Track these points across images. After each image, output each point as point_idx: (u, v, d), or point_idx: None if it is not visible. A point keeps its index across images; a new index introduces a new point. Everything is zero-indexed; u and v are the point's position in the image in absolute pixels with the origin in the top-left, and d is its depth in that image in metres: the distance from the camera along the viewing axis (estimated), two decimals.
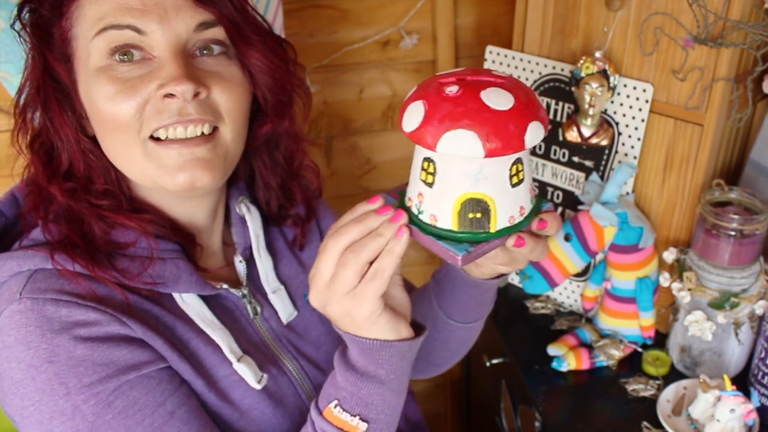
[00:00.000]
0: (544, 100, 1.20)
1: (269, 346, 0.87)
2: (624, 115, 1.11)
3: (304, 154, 0.92)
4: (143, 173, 0.75)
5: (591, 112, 1.09)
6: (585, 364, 1.12)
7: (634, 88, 1.09)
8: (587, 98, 1.08)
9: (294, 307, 0.91)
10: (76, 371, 0.69)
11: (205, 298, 0.81)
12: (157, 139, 0.73)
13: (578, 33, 1.15)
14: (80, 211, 0.75)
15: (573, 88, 1.10)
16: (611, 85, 1.08)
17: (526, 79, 1.22)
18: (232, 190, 0.89)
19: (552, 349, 1.14)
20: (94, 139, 0.77)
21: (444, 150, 0.58)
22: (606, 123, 1.12)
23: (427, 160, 0.62)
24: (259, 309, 0.87)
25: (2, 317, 0.70)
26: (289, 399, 0.87)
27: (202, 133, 0.74)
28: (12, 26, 0.75)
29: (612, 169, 1.14)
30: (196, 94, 0.72)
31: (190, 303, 0.79)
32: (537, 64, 1.20)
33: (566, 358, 1.12)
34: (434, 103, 0.59)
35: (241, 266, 0.87)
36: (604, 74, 1.08)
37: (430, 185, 0.62)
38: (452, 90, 0.59)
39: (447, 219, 0.62)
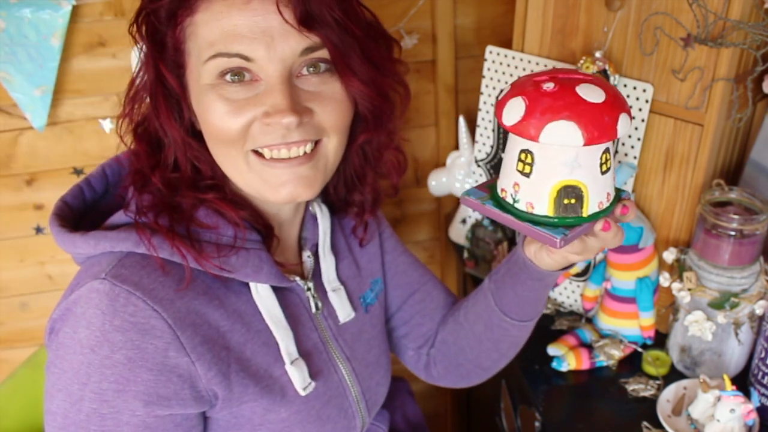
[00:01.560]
0: None
1: (326, 344, 0.89)
2: None
3: (393, 149, 0.94)
4: (247, 182, 0.79)
5: None
6: (585, 364, 1.12)
7: (634, 88, 1.09)
8: None
9: (351, 308, 0.93)
10: (103, 372, 0.72)
11: (274, 290, 0.83)
12: (260, 155, 0.77)
13: (578, 33, 1.15)
14: (179, 200, 0.79)
15: None
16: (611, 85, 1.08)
17: None
18: None
19: (552, 349, 1.14)
20: (201, 135, 0.80)
21: (547, 140, 0.64)
22: None
23: (525, 151, 0.67)
24: (320, 305, 0.89)
25: (84, 288, 0.74)
26: (337, 400, 0.89)
27: (305, 152, 0.77)
28: (129, 30, 0.78)
29: None
30: (297, 125, 0.74)
31: (265, 296, 0.82)
32: (537, 64, 1.20)
33: (566, 358, 1.12)
34: (534, 99, 0.65)
35: (309, 261, 0.90)
36: (604, 74, 1.08)
37: (527, 175, 0.68)
38: (549, 86, 0.65)
39: (543, 206, 0.68)
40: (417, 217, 1.64)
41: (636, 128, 1.10)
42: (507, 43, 1.26)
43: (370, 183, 0.94)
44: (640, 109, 1.09)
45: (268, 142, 0.75)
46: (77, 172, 1.41)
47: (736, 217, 0.99)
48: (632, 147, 1.11)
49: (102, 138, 1.39)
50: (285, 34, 0.73)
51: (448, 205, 1.61)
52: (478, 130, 1.31)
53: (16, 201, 1.42)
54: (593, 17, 1.12)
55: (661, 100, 1.08)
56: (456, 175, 1.42)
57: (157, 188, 0.79)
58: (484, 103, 1.29)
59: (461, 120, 1.39)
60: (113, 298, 0.72)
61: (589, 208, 0.69)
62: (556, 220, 0.68)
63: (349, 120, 0.81)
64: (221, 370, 0.77)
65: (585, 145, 0.64)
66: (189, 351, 0.74)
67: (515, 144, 0.69)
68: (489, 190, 0.75)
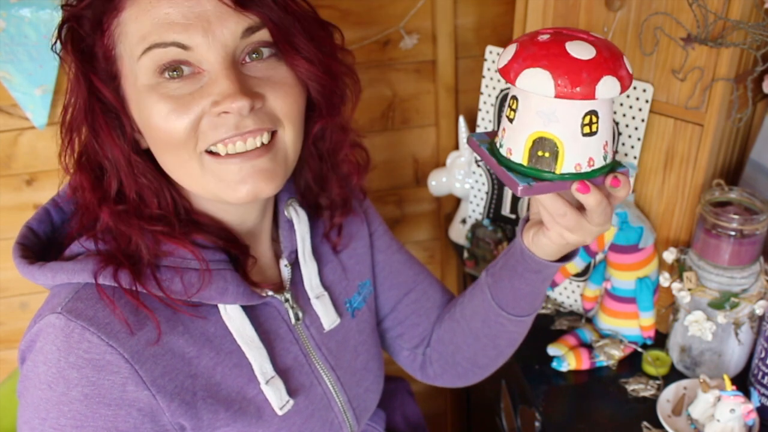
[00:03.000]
0: None
1: (308, 356, 0.86)
2: (624, 115, 1.11)
3: (351, 146, 0.90)
4: (202, 186, 0.74)
5: None
6: (585, 364, 1.12)
7: (634, 88, 1.09)
8: None
9: (336, 314, 0.90)
10: (61, 408, 0.71)
11: (247, 306, 0.80)
12: (214, 154, 0.73)
13: None
14: (129, 232, 0.75)
15: None
16: None
17: None
18: (281, 192, 0.88)
19: (552, 349, 1.14)
20: (147, 153, 0.76)
21: (522, 85, 0.66)
22: None
23: (513, 98, 0.70)
24: (300, 314, 0.86)
25: (42, 322, 0.72)
26: (321, 413, 0.86)
27: (262, 143, 0.73)
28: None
29: None
30: (250, 109, 0.70)
31: (234, 317, 0.78)
32: None
33: (566, 358, 1.12)
34: (524, 46, 0.67)
35: (286, 270, 0.86)
36: None
37: (511, 121, 0.70)
38: (543, 37, 0.67)
39: (519, 154, 0.70)
40: (417, 217, 1.64)
41: (636, 128, 1.10)
42: (507, 43, 1.26)
43: (336, 184, 0.90)
44: (640, 109, 1.09)
45: (221, 136, 0.71)
46: None
47: (736, 217, 0.99)
48: (632, 147, 1.11)
49: None
50: (222, 17, 0.69)
51: (448, 205, 1.61)
52: (478, 130, 1.31)
53: (16, 201, 1.42)
54: (593, 17, 1.12)
55: (661, 100, 1.08)
56: (456, 175, 1.42)
57: (108, 229, 0.75)
58: (484, 103, 1.28)
59: (461, 120, 1.39)
60: (68, 334, 0.70)
61: (564, 166, 0.68)
62: (528, 170, 0.69)
63: (303, 107, 0.77)
64: (185, 400, 0.74)
65: (557, 96, 0.65)
66: (149, 384, 0.72)
67: (511, 91, 0.72)
68: (492, 136, 0.77)
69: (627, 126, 1.11)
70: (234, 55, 0.71)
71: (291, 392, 0.83)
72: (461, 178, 1.41)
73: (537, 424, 1.08)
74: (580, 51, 0.65)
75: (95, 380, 0.70)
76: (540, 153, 0.68)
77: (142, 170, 0.75)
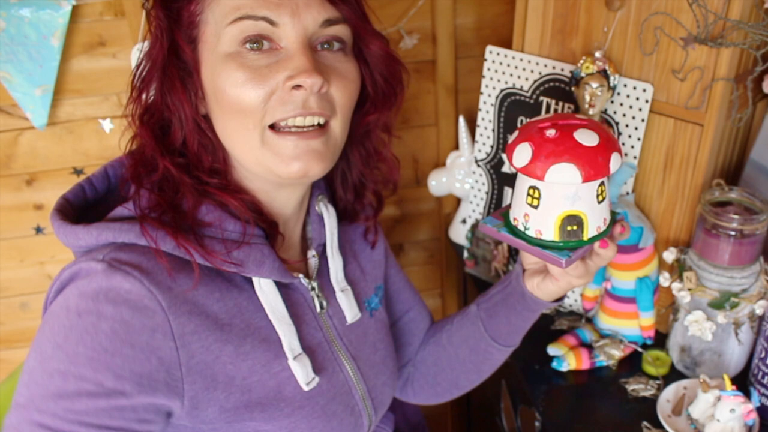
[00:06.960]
0: (544, 100, 1.20)
1: (331, 343, 0.89)
2: (624, 115, 1.11)
3: (388, 146, 0.95)
4: (257, 159, 0.78)
5: (591, 112, 1.09)
6: (585, 364, 1.12)
7: (634, 88, 1.09)
8: (587, 98, 1.08)
9: (358, 309, 0.93)
10: (82, 337, 0.70)
11: (278, 286, 0.83)
12: (275, 129, 0.77)
13: (578, 33, 1.15)
14: (183, 183, 0.78)
15: (573, 88, 1.10)
16: (611, 84, 1.08)
17: (526, 79, 1.22)
18: (314, 188, 0.92)
19: (552, 349, 1.14)
20: (206, 119, 0.80)
21: (551, 179, 0.74)
22: (606, 123, 1.13)
23: (533, 187, 0.78)
24: (325, 304, 0.89)
25: (79, 265, 0.73)
26: (342, 397, 0.88)
27: (318, 124, 0.78)
28: (143, 6, 0.80)
29: None
30: (320, 88, 0.75)
31: (267, 291, 0.81)
32: (537, 64, 1.20)
33: (566, 358, 1.12)
34: (539, 144, 0.75)
35: (313, 260, 0.90)
36: (604, 74, 1.08)
37: (536, 207, 0.78)
38: (551, 133, 0.75)
39: (550, 232, 0.78)
40: (417, 217, 1.64)
41: (636, 128, 1.10)
42: (507, 43, 1.26)
43: (372, 185, 0.96)
44: (640, 109, 1.09)
45: (287, 113, 0.75)
46: (77, 172, 1.41)
47: (736, 217, 0.99)
48: (632, 147, 1.11)
49: (102, 138, 1.39)
50: (310, 3, 0.76)
51: (448, 205, 1.61)
52: (478, 130, 1.31)
53: (16, 201, 1.42)
54: (593, 17, 1.12)
55: (661, 100, 1.08)
56: (456, 175, 1.42)
57: (158, 184, 0.79)
58: (484, 103, 1.28)
59: (461, 120, 1.39)
60: (110, 274, 0.71)
61: (589, 232, 0.78)
62: (561, 244, 0.78)
63: (354, 102, 0.83)
64: (205, 361, 0.75)
65: (583, 182, 0.74)
66: (176, 337, 0.73)
67: (524, 181, 0.79)
68: (503, 218, 0.84)
69: (627, 126, 1.11)
70: (310, 39, 0.77)
71: (315, 371, 0.85)
72: (461, 178, 1.41)
73: (537, 424, 1.08)
74: (588, 139, 0.74)
75: (128, 319, 0.71)
76: (569, 228, 0.78)
77: (204, 131, 0.80)
